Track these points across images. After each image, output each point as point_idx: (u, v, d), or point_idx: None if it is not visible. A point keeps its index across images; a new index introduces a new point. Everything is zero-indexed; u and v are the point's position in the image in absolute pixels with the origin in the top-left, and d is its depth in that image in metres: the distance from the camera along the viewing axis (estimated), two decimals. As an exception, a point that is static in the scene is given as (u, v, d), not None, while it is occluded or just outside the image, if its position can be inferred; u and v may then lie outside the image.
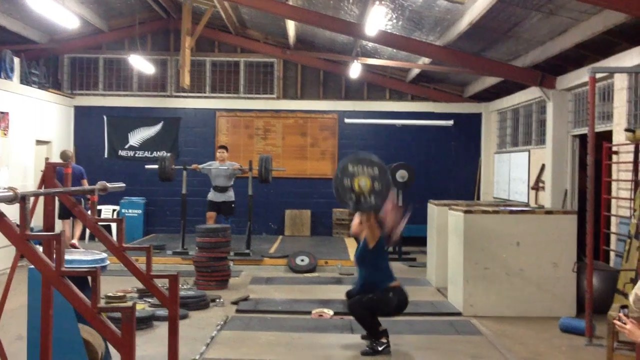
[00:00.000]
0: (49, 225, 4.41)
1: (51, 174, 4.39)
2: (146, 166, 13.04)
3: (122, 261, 4.42)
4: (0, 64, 11.80)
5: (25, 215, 3.49)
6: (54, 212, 4.40)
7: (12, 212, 3.76)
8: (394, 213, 6.40)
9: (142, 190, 14.85)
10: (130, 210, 14.62)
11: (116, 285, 8.87)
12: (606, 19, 7.91)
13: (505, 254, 7.95)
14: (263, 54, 15.38)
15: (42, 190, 4.23)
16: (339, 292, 7.85)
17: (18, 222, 3.58)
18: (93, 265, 4.45)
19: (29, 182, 12.14)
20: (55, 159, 13.75)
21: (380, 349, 6.27)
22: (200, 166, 11.96)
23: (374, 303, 6.27)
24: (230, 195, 11.90)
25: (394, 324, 6.68)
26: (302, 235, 15.05)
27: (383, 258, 6.55)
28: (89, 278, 3.50)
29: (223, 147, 12.35)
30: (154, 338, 6.70)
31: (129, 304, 3.76)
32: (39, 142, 13.37)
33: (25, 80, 12.82)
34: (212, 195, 11.92)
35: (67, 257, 5.03)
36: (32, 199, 3.70)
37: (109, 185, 4.79)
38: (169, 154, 12.14)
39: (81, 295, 3.46)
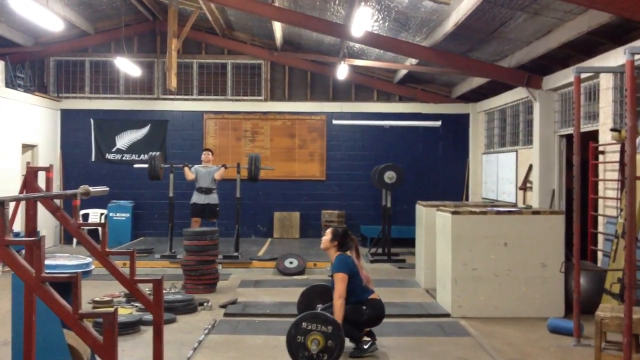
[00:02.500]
0: (30, 230, 4.36)
1: (32, 178, 4.34)
2: (135, 165, 12.96)
3: (105, 266, 4.38)
4: (-16, 68, 11.75)
5: (5, 220, 3.44)
6: (35, 217, 4.35)
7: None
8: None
9: (129, 194, 14.79)
10: (118, 214, 14.54)
11: (104, 289, 8.81)
12: (591, 19, 7.94)
13: (493, 254, 7.95)
14: (250, 56, 15.34)
15: (23, 195, 4.18)
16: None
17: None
18: (76, 271, 4.40)
19: (15, 186, 12.03)
20: (42, 162, 13.68)
21: (365, 347, 6.30)
22: (192, 170, 11.85)
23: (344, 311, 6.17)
24: (214, 198, 11.89)
25: (383, 325, 6.65)
26: (291, 238, 15.01)
27: (354, 284, 6.38)
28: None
29: (208, 149, 12.41)
30: (140, 343, 6.65)
31: (111, 309, 3.71)
32: (25, 146, 13.28)
33: (10, 83, 12.73)
34: (196, 198, 11.86)
35: (51, 262, 4.99)
36: (12, 204, 3.65)
37: (92, 189, 4.73)
38: (158, 153, 12.06)
39: (62, 301, 3.41)
